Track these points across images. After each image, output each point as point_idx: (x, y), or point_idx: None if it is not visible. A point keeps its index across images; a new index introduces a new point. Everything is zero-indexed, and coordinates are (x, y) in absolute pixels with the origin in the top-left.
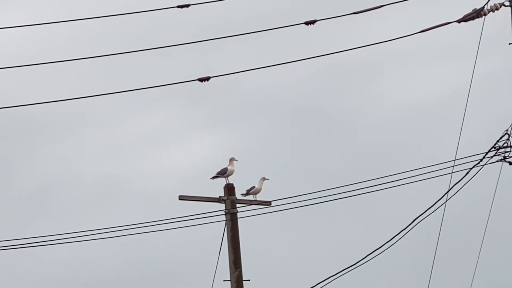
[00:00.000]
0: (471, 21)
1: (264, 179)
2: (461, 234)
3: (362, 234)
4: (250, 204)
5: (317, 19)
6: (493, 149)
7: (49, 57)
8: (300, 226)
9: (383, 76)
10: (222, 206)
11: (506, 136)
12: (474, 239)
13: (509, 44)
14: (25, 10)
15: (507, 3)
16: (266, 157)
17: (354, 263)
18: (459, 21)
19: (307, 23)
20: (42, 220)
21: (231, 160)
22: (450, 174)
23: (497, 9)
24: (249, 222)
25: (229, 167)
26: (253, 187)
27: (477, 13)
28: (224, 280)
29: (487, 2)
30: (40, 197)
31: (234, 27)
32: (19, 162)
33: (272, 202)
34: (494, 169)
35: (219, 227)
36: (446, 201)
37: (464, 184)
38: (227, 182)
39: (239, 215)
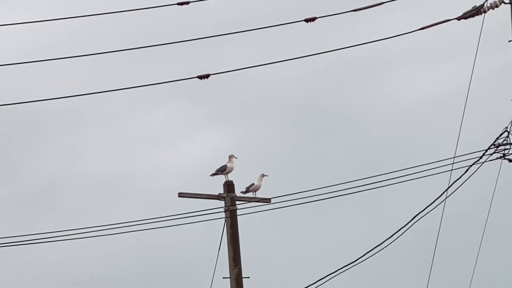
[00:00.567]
0: (471, 19)
1: (263, 175)
2: (460, 232)
3: (361, 231)
4: (250, 201)
5: (317, 16)
6: (492, 146)
7: (48, 55)
8: (300, 223)
9: (383, 73)
10: (221, 203)
11: (506, 134)
12: (473, 236)
13: (509, 41)
14: (26, 6)
15: (507, 0)
16: (266, 154)
17: (353, 260)
18: (458, 19)
19: (307, 20)
20: (44, 218)
21: (230, 157)
22: (450, 172)
23: (497, 6)
24: (248, 219)
25: (228, 164)
26: (253, 184)
27: (477, 11)
28: (223, 277)
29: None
30: (43, 194)
31: (234, 24)
32: (23, 158)
33: (271, 199)
34: (493, 166)
35: (219, 224)
36: (445, 199)
37: (464, 182)
38: (227, 179)
39: (238, 212)
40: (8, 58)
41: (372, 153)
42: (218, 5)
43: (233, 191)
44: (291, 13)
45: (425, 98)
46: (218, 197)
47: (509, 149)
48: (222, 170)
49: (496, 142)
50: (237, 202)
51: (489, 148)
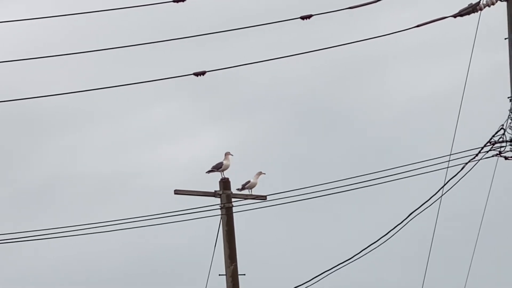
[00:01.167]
0: (467, 16)
1: (260, 173)
2: (456, 229)
3: (357, 228)
4: (246, 199)
5: (313, 14)
6: (488, 143)
7: (44, 53)
8: (296, 220)
9: (379, 71)
10: (217, 200)
11: (502, 131)
12: (469, 234)
13: (505, 39)
14: (24, 2)
15: None
16: (262, 151)
17: (349, 257)
18: (455, 16)
19: (303, 17)
20: (43, 216)
21: (226, 154)
22: (446, 169)
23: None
24: (244, 216)
25: (224, 162)
26: (249, 181)
27: (473, 8)
28: (219, 275)
29: None
30: (42, 191)
31: (231, 22)
32: (23, 155)
33: (267, 197)
34: (489, 164)
35: (215, 222)
36: (441, 196)
37: (460, 179)
38: (223, 176)
39: (234, 209)
40: (5, 56)
41: (368, 152)
42: (214, 2)
43: (229, 188)
44: (287, 11)
45: (421, 96)
46: (214, 194)
47: (505, 146)
48: (218, 167)
49: (492, 140)
50: (233, 199)
51: (485, 145)
